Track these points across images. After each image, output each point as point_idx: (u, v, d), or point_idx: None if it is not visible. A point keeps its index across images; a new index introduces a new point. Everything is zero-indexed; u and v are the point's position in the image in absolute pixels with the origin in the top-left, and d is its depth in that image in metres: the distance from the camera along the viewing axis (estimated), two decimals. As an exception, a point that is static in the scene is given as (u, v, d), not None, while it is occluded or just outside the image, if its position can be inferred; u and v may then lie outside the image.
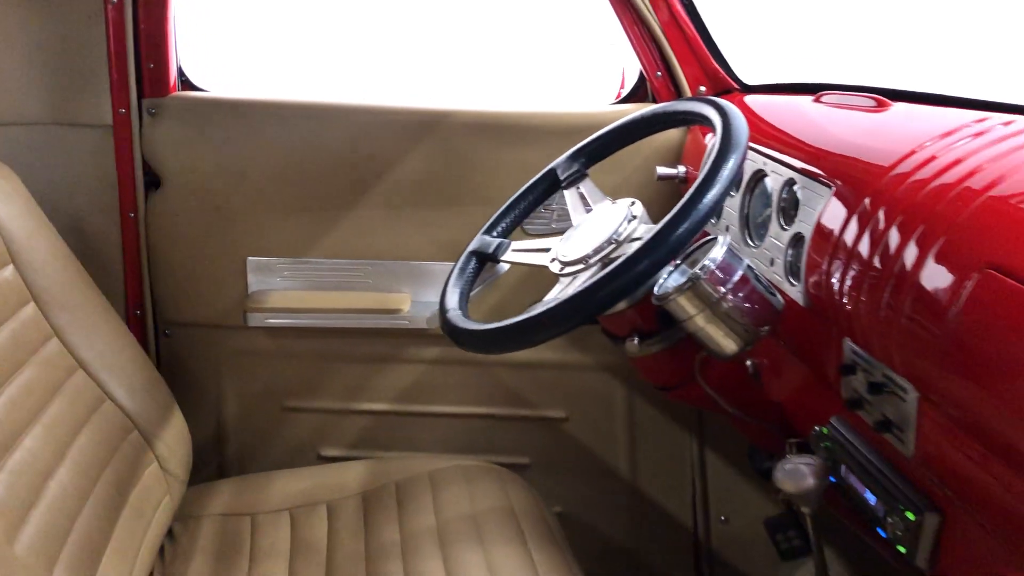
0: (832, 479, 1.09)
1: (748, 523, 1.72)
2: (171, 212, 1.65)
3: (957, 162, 0.94)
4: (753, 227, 1.31)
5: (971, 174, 0.91)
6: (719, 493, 1.76)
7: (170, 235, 1.66)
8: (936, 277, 0.85)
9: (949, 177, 0.92)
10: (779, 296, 1.12)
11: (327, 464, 1.68)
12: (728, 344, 1.11)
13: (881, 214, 0.96)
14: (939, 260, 0.85)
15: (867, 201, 1.00)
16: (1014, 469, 0.79)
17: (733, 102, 1.26)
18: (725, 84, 1.59)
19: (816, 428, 1.14)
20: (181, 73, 1.68)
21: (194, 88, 1.69)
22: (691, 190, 1.05)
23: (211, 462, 1.75)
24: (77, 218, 1.60)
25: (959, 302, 0.81)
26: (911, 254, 0.89)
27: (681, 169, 1.53)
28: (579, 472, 1.78)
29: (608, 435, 1.76)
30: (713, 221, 1.43)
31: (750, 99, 1.51)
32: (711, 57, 1.58)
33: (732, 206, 1.36)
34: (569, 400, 1.75)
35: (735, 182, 1.10)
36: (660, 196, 1.58)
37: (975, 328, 0.79)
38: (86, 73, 1.56)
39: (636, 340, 1.20)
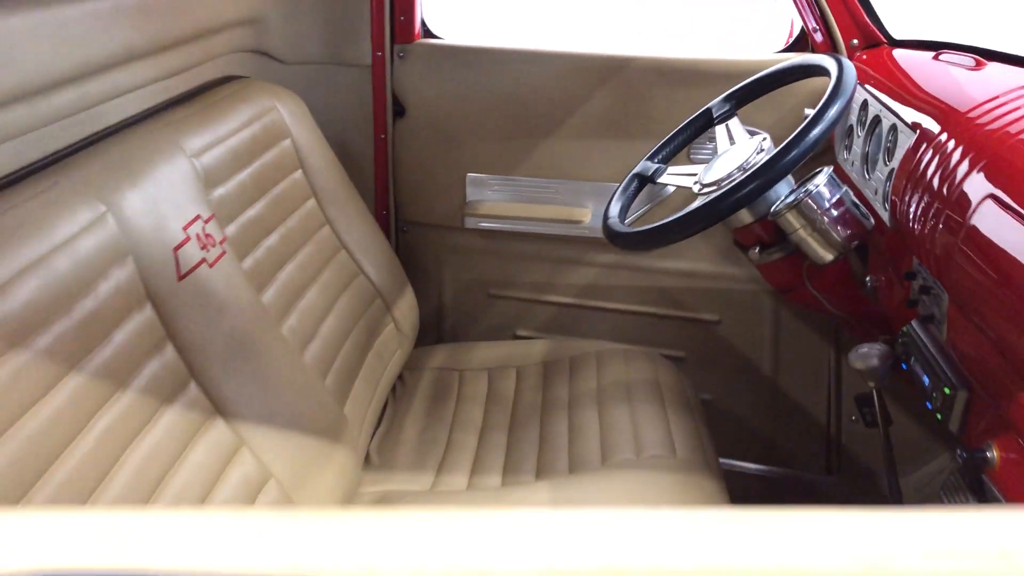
0: (905, 366, 1.36)
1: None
2: (411, 136, 2.09)
3: (1017, 108, 1.17)
4: (869, 162, 1.55)
5: (1021, 119, 1.14)
6: (851, 395, 2.01)
7: (409, 153, 2.11)
8: (962, 200, 1.10)
9: (1003, 121, 1.16)
10: (872, 219, 1.38)
11: (519, 340, 2.11)
12: (825, 254, 1.40)
13: (947, 148, 1.21)
14: (967, 186, 1.11)
15: (939, 139, 1.24)
16: (1007, 358, 1.05)
17: (880, 55, 1.48)
18: (875, 38, 1.78)
19: (903, 329, 1.40)
20: (423, 23, 2.11)
21: (433, 36, 2.11)
22: (797, 130, 1.33)
23: (432, 330, 2.20)
24: (341, 137, 2.06)
25: (969, 221, 1.07)
26: (955, 180, 1.14)
27: None
28: (727, 368, 2.08)
29: (755, 339, 2.05)
30: (845, 155, 1.67)
31: (896, 52, 1.72)
32: (864, 13, 1.78)
33: (858, 144, 1.60)
34: (722, 306, 2.05)
35: (837, 123, 1.36)
36: None
37: (977, 243, 1.05)
38: (352, 23, 2.01)
39: (758, 250, 1.51)
